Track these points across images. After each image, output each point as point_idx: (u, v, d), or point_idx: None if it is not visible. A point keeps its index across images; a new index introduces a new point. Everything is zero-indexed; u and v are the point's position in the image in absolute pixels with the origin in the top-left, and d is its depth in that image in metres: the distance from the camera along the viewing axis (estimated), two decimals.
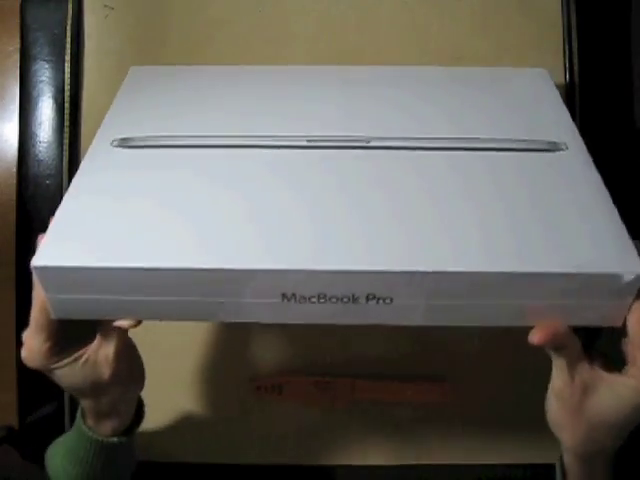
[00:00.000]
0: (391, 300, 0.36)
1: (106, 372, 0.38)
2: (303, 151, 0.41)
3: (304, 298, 0.35)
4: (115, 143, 0.42)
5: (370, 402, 0.53)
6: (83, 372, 0.38)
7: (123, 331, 0.38)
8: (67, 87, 0.55)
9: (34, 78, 0.56)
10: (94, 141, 0.43)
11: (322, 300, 0.35)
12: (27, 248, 0.55)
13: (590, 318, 0.37)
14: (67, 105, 0.55)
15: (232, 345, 0.54)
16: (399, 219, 0.37)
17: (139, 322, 0.37)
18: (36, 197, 0.55)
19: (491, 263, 0.35)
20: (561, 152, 0.43)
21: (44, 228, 0.55)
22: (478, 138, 0.43)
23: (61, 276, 0.35)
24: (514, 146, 0.43)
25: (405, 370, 0.53)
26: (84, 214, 0.38)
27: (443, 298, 0.36)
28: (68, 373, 0.38)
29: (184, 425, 0.55)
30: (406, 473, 0.53)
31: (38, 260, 0.35)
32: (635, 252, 0.35)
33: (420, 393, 0.52)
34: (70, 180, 0.54)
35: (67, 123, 0.55)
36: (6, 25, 0.58)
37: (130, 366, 0.41)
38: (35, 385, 0.55)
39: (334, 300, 0.35)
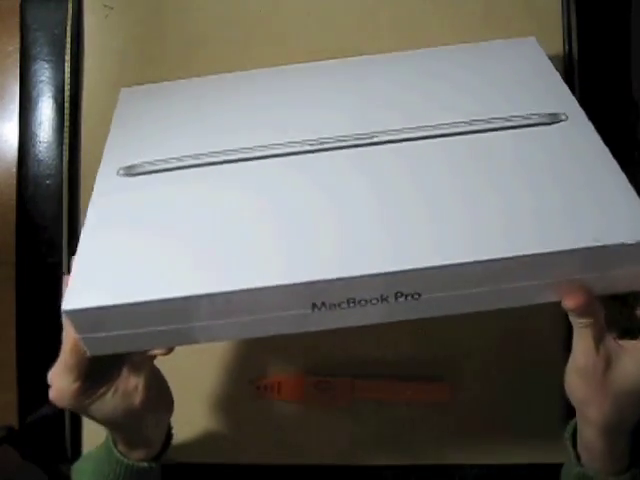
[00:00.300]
0: (419, 295, 0.36)
1: (136, 400, 0.39)
2: (310, 156, 0.41)
3: (334, 305, 0.36)
4: (121, 172, 0.42)
5: (370, 402, 0.53)
6: (113, 403, 0.39)
7: (151, 359, 0.39)
8: (67, 87, 0.55)
9: (34, 78, 0.56)
10: (100, 171, 0.43)
11: (352, 304, 0.36)
12: (27, 248, 0.56)
13: (612, 286, 0.37)
14: (67, 105, 0.55)
15: (232, 345, 0.54)
16: (416, 214, 0.38)
17: (171, 349, 0.37)
18: (36, 197, 0.55)
19: (513, 248, 0.35)
20: (562, 123, 0.43)
21: (44, 228, 0.55)
22: (479, 120, 0.43)
23: (92, 316, 0.35)
24: (515, 123, 0.43)
25: (405, 370, 0.53)
26: (104, 251, 0.38)
27: (470, 287, 0.36)
28: (99, 406, 0.39)
29: (184, 425, 0.54)
30: (406, 473, 0.53)
31: (68, 304, 0.34)
32: None
33: (420, 393, 0.52)
34: (70, 180, 0.55)
35: (67, 123, 0.55)
36: (6, 25, 0.58)
37: (159, 392, 0.41)
38: (35, 385, 0.55)
39: (363, 303, 0.36)
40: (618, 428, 0.38)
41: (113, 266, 0.37)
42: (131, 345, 0.37)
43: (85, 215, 0.54)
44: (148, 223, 0.39)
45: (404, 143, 0.42)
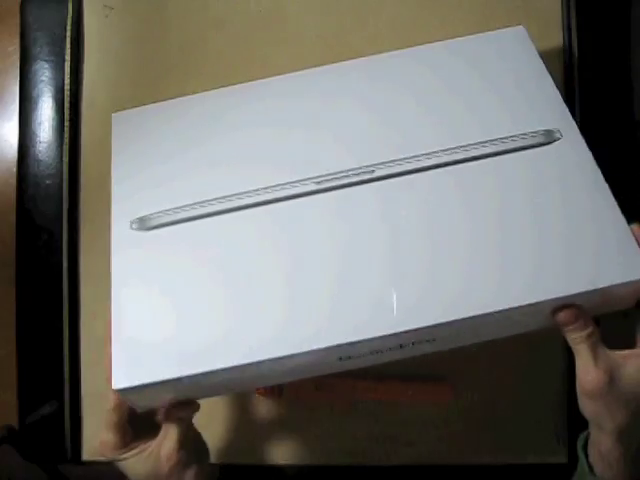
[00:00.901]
0: (434, 339, 0.39)
1: (166, 466, 0.41)
2: (315, 198, 0.42)
3: (359, 356, 0.39)
4: (135, 226, 0.43)
5: (371, 402, 0.53)
6: (147, 464, 0.41)
7: (186, 419, 0.42)
8: (67, 87, 0.55)
9: (34, 78, 0.56)
10: (113, 223, 0.43)
11: (374, 354, 0.39)
12: (27, 248, 0.56)
13: (605, 308, 0.40)
14: (67, 105, 0.55)
15: None
16: (424, 264, 0.40)
17: (197, 408, 0.42)
18: (36, 197, 0.55)
19: (519, 298, 0.38)
20: (557, 142, 0.43)
21: (44, 228, 0.55)
22: (472, 145, 0.43)
23: (140, 389, 0.38)
24: (511, 146, 0.43)
25: (405, 370, 0.53)
26: (140, 319, 0.40)
27: (480, 329, 0.40)
28: (133, 465, 0.41)
29: None
30: (407, 473, 0.53)
31: (118, 383, 0.38)
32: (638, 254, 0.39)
33: (421, 393, 0.52)
34: (70, 180, 0.55)
35: (67, 123, 0.55)
36: (6, 25, 0.58)
37: (192, 453, 0.43)
38: (35, 385, 0.55)
39: (384, 351, 0.39)
40: (633, 433, 0.38)
41: (151, 336, 0.39)
42: (175, 399, 0.40)
43: (85, 215, 0.55)
44: (173, 285, 0.40)
45: (401, 178, 0.43)
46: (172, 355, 0.38)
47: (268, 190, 0.42)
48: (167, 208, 0.43)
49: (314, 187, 0.42)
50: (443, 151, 0.43)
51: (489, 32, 0.48)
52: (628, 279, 0.38)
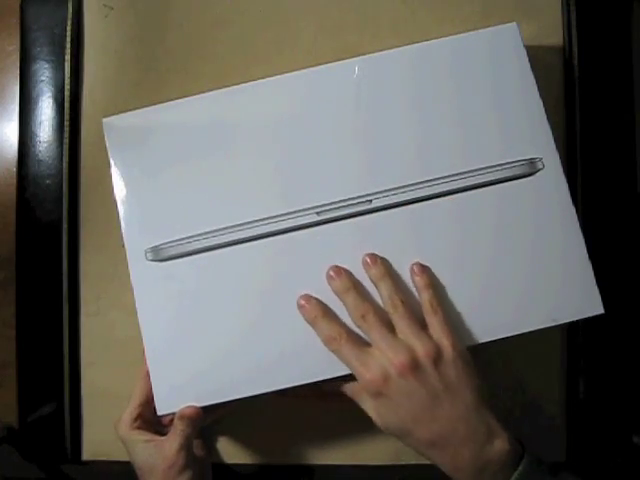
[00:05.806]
0: None
1: (164, 463, 0.45)
2: (315, 231, 0.45)
3: None
4: (149, 256, 0.45)
5: None
6: (150, 454, 0.46)
7: (189, 431, 0.45)
8: (67, 87, 0.55)
9: (34, 78, 0.56)
10: (128, 254, 0.46)
11: None
12: (27, 248, 0.56)
13: None
14: (67, 105, 0.55)
15: None
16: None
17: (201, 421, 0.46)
18: (36, 197, 0.55)
19: (486, 334, 0.44)
20: (539, 173, 0.45)
21: (44, 228, 0.55)
22: (459, 175, 0.45)
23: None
24: (493, 178, 0.44)
25: None
26: (172, 351, 0.45)
27: None
28: (140, 450, 0.46)
29: None
30: (406, 473, 0.53)
31: (161, 410, 0.45)
32: (597, 292, 0.43)
33: None
34: (70, 180, 0.55)
35: (67, 123, 0.55)
36: (6, 25, 0.58)
37: (191, 460, 0.46)
38: (35, 385, 0.55)
39: None
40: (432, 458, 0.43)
41: (184, 365, 0.44)
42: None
43: (85, 215, 0.55)
44: (196, 315, 0.45)
45: (396, 209, 0.45)
46: (205, 384, 0.44)
47: (271, 221, 0.45)
48: (177, 238, 0.45)
49: (317, 218, 0.45)
50: (431, 181, 0.45)
51: (480, 30, 0.48)
52: (586, 315, 0.43)
